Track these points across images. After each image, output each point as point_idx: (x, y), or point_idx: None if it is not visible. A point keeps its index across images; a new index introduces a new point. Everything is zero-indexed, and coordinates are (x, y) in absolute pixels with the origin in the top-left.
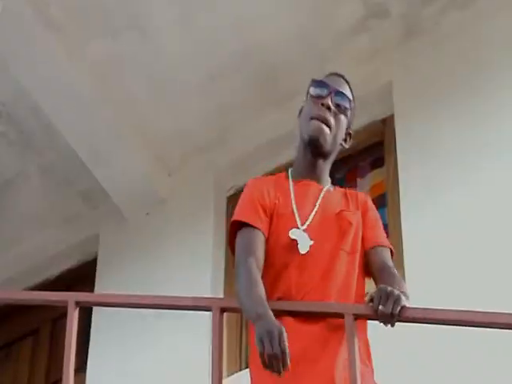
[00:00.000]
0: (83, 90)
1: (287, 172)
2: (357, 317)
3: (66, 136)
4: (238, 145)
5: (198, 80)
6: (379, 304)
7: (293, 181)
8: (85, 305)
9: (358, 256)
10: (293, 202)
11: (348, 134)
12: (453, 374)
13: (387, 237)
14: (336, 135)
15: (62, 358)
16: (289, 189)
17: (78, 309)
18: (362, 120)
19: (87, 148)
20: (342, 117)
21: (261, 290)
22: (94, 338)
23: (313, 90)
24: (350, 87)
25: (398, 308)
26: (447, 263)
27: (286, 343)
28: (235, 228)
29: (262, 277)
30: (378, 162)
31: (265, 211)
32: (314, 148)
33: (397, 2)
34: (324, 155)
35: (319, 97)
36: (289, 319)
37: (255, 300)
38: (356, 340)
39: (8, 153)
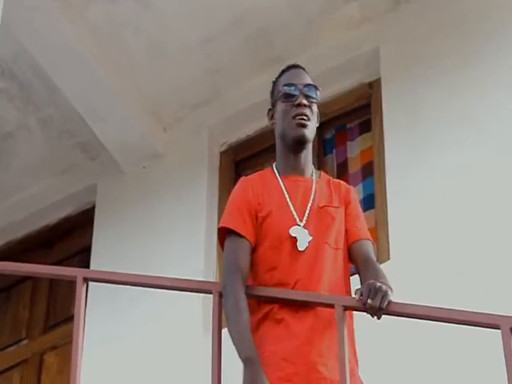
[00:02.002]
0: (82, 49)
1: (272, 169)
2: (346, 308)
3: (65, 92)
4: (231, 103)
5: (193, 42)
6: (368, 298)
7: (281, 177)
8: (92, 281)
9: (341, 252)
10: (287, 199)
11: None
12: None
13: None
14: (314, 126)
15: (61, 301)
16: (279, 186)
17: (85, 284)
18: (349, 82)
19: (86, 104)
20: (315, 106)
21: (246, 319)
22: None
23: (282, 92)
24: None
25: (386, 302)
26: (432, 231)
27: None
28: (223, 232)
29: (257, 267)
30: (367, 126)
31: (251, 214)
32: (299, 146)
33: None
34: (306, 147)
35: (292, 97)
36: (284, 314)
37: (243, 337)
38: (345, 330)
39: (9, 107)
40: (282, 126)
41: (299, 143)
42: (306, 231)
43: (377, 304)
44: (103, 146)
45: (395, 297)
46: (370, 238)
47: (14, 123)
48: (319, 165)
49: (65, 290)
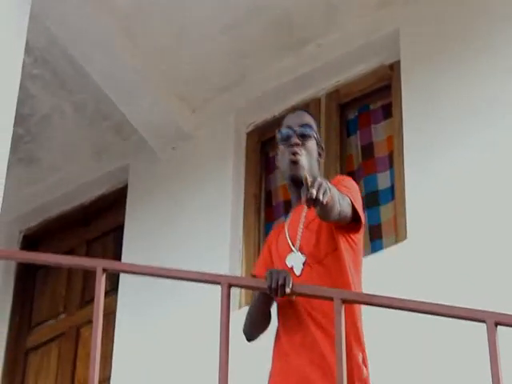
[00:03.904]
0: (111, 37)
1: None
2: (344, 301)
3: (96, 78)
4: (256, 86)
5: (219, 27)
6: (312, 188)
7: (291, 212)
8: (111, 271)
9: (327, 261)
10: (286, 229)
11: (320, 149)
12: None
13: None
14: (310, 160)
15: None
16: (285, 222)
17: (105, 274)
18: (370, 64)
19: (116, 89)
20: (309, 143)
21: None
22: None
23: (280, 136)
24: (308, 113)
25: (325, 197)
26: (449, 213)
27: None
28: None
29: None
30: (390, 109)
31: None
32: (296, 182)
33: None
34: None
35: (287, 138)
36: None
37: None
38: (343, 324)
39: (44, 92)
40: (282, 166)
41: (294, 181)
42: (299, 253)
43: (319, 196)
44: (134, 128)
45: (411, 276)
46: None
47: (49, 107)
48: (341, 146)
49: None
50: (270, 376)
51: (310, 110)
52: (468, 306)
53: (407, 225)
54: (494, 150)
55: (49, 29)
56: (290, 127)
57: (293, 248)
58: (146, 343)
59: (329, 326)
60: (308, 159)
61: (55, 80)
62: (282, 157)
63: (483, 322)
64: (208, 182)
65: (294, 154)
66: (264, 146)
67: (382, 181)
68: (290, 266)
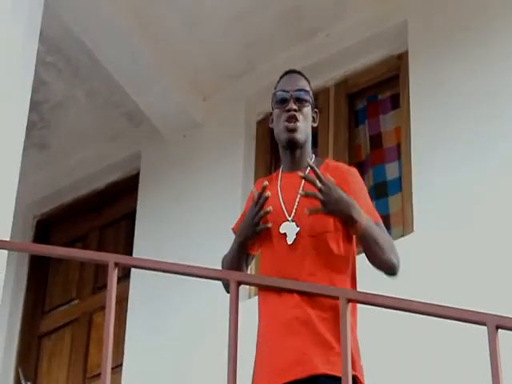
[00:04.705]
0: (123, 25)
1: (279, 168)
2: (350, 301)
3: (108, 66)
4: (266, 75)
5: (230, 16)
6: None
7: (282, 175)
8: (123, 266)
9: (329, 236)
10: (279, 196)
11: (315, 113)
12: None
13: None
14: (306, 126)
15: None
16: (276, 184)
17: (117, 268)
18: (379, 54)
19: (127, 76)
20: (306, 108)
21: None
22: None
23: (276, 99)
24: (304, 77)
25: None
26: (457, 206)
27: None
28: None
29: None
30: (398, 99)
31: None
32: (292, 147)
33: None
34: (300, 146)
35: (283, 102)
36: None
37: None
38: (349, 322)
39: (57, 80)
40: (276, 130)
41: (290, 146)
42: (293, 224)
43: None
44: (146, 115)
45: (417, 271)
46: (374, 216)
47: (63, 94)
48: (350, 136)
49: (113, 253)
50: (257, 362)
51: (318, 99)
52: (471, 304)
53: (414, 218)
54: (503, 140)
55: (62, 17)
56: (286, 91)
57: (288, 217)
58: (158, 329)
59: (322, 308)
60: (304, 125)
61: (68, 68)
62: (278, 120)
63: (484, 324)
64: (219, 169)
65: (291, 119)
66: (273, 134)
67: (391, 171)
68: (282, 232)
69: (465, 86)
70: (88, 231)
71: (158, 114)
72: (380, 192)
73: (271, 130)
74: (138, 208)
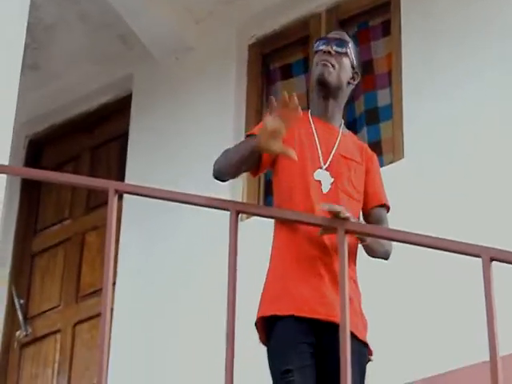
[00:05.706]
0: None
1: (307, 112)
2: (347, 232)
3: None
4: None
5: None
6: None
7: (312, 118)
8: (123, 193)
9: (355, 202)
10: (316, 139)
11: (355, 73)
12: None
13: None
14: (340, 74)
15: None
16: (312, 130)
17: (117, 195)
18: None
19: (120, 0)
20: (344, 59)
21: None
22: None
23: (316, 46)
24: (348, 36)
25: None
26: (446, 134)
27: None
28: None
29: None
30: (389, 26)
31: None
32: (322, 87)
33: None
34: (333, 94)
35: (321, 48)
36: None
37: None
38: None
39: (49, 1)
40: (312, 73)
41: (321, 84)
42: (328, 173)
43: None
44: (138, 38)
45: (407, 195)
46: (387, 202)
47: (54, 16)
48: None
49: (105, 173)
50: (276, 289)
51: (310, 25)
52: (460, 232)
53: (404, 144)
54: (495, 69)
55: None
56: (327, 38)
57: (323, 165)
58: (151, 249)
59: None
60: (339, 72)
61: None
62: (315, 64)
63: (478, 256)
64: (210, 91)
65: (326, 61)
66: (265, 58)
67: (382, 98)
68: (317, 179)
69: (457, 13)
70: (80, 151)
71: (150, 36)
72: (371, 118)
73: (264, 54)
74: (130, 129)
